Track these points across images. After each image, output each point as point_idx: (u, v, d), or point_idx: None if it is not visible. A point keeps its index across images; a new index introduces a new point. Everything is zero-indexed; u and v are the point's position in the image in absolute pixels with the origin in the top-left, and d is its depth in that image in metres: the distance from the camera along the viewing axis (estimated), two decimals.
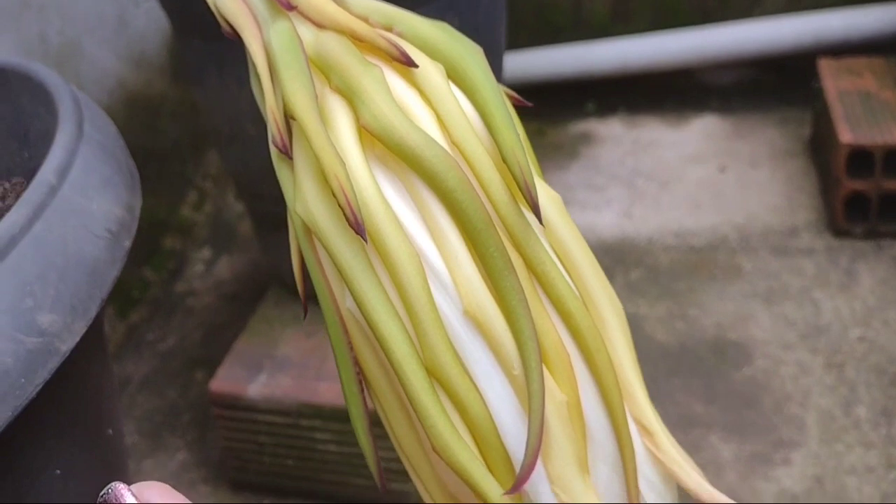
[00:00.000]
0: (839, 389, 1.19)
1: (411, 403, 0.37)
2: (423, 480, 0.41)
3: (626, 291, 1.38)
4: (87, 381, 0.54)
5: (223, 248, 1.54)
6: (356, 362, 0.40)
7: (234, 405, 1.06)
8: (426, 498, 0.41)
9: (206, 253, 1.53)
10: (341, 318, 0.39)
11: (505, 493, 0.36)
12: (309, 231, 0.38)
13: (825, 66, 1.55)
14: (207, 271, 1.50)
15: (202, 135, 1.58)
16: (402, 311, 0.37)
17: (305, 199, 0.37)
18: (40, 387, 0.42)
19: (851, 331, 1.27)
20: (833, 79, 1.51)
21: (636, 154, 1.68)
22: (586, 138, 1.74)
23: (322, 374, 1.07)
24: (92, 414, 0.54)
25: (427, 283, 0.37)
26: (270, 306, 1.18)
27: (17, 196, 0.56)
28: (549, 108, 1.78)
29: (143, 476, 1.16)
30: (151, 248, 1.45)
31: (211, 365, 1.13)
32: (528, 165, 0.38)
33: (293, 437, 1.07)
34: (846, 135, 1.37)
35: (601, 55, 1.71)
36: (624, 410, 0.40)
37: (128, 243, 0.52)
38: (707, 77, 1.82)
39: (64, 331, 0.44)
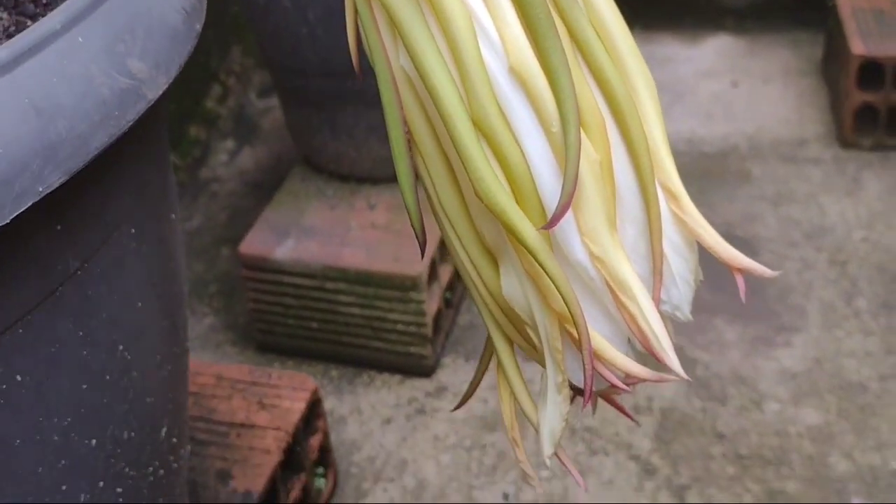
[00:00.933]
0: (841, 283, 1.24)
1: (457, 151, 0.40)
2: (460, 235, 0.45)
3: None
4: (156, 153, 0.58)
5: (246, 140, 1.58)
6: (405, 122, 0.43)
7: (263, 267, 1.11)
8: (461, 253, 0.45)
9: (229, 144, 1.56)
10: (393, 77, 0.42)
11: (538, 229, 0.40)
12: None
13: None
14: (231, 160, 1.54)
15: (225, 30, 1.61)
16: (452, 67, 0.40)
17: None
18: (131, 123, 0.46)
19: (855, 232, 1.32)
20: None
21: (651, 68, 1.70)
22: None
23: (346, 241, 1.11)
24: (159, 189, 0.58)
25: (476, 40, 0.40)
26: (297, 181, 1.22)
27: None
28: None
29: None
30: (177, 136, 1.48)
31: (236, 242, 1.17)
32: None
33: (318, 300, 1.11)
34: (858, 46, 1.40)
35: None
36: (652, 174, 0.43)
37: (198, 27, 0.55)
38: None
39: (150, 80, 0.48)
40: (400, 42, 0.41)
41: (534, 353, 0.46)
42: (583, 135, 0.41)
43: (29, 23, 0.51)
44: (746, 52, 1.74)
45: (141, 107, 0.47)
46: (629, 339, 0.44)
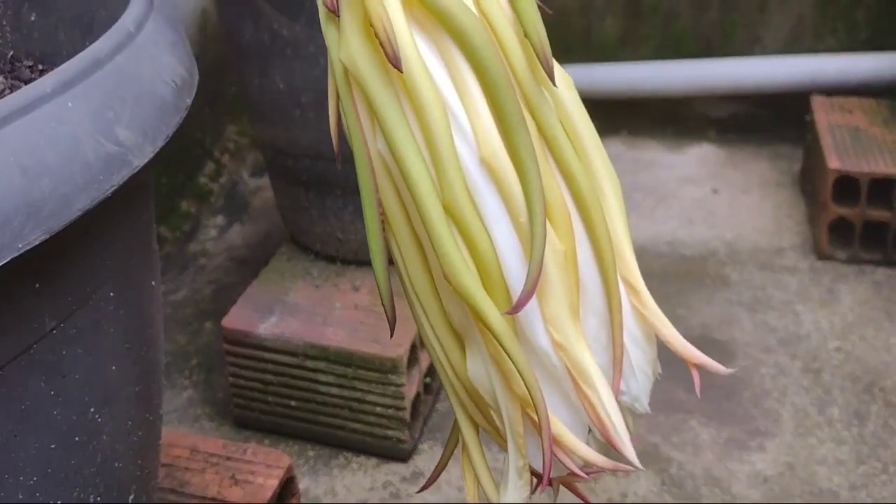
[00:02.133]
0: (815, 390, 1.25)
1: (428, 234, 0.42)
2: (429, 316, 0.46)
3: None
4: (140, 221, 0.59)
5: (236, 217, 1.60)
6: (380, 204, 0.45)
7: (244, 342, 1.11)
8: (429, 333, 0.46)
9: (219, 220, 1.59)
10: (370, 160, 0.45)
11: (503, 314, 0.41)
12: (348, 79, 0.44)
13: (818, 102, 1.64)
14: (220, 236, 1.56)
15: (222, 109, 1.65)
16: (425, 153, 0.43)
17: (349, 46, 0.43)
18: (115, 188, 0.47)
19: (830, 342, 1.34)
20: (825, 113, 1.60)
21: (635, 172, 1.77)
22: None
23: (329, 321, 1.12)
24: (141, 256, 0.59)
25: (450, 129, 0.42)
26: (283, 261, 1.24)
27: None
28: None
29: None
30: (168, 208, 1.50)
31: (219, 317, 1.18)
32: (546, 39, 0.44)
33: (298, 378, 1.11)
34: (834, 162, 1.46)
35: (608, 77, 1.80)
36: (615, 268, 0.46)
37: (188, 100, 0.57)
38: (706, 108, 1.92)
39: (136, 148, 0.50)
40: (378, 127, 0.43)
41: (497, 437, 0.47)
42: (549, 226, 0.42)
43: (23, 87, 0.54)
44: (727, 162, 1.80)
45: (126, 173, 0.48)
46: (589, 428, 0.45)
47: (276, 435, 1.16)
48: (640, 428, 1.19)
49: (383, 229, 0.45)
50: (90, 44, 0.69)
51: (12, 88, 0.67)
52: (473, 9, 0.43)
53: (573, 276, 0.44)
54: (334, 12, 0.43)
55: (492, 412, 0.45)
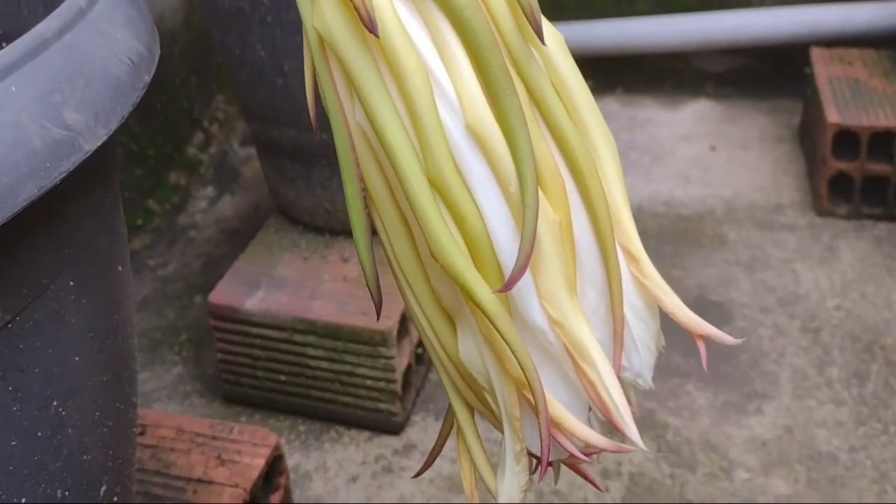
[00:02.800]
0: (813, 351, 1.23)
1: (413, 209, 0.40)
2: (417, 295, 0.44)
3: None
4: (101, 205, 0.57)
5: (226, 188, 1.58)
6: (361, 179, 0.42)
7: (232, 317, 1.10)
8: (418, 314, 0.44)
9: (209, 191, 1.57)
10: (349, 132, 0.42)
11: (495, 292, 0.39)
12: (323, 47, 0.41)
13: (817, 54, 1.60)
14: (209, 208, 1.54)
15: (210, 77, 1.62)
16: (408, 123, 0.40)
17: (323, 13, 0.40)
18: (63, 176, 0.45)
19: (829, 300, 1.32)
20: (824, 65, 1.56)
21: (631, 130, 1.73)
22: None
23: (317, 294, 1.10)
24: (104, 241, 0.57)
25: (433, 96, 0.39)
26: (270, 233, 1.22)
27: None
28: None
29: (140, 386, 1.19)
30: (156, 181, 1.48)
31: (209, 291, 1.16)
32: None
33: (286, 353, 1.10)
34: (834, 115, 1.42)
35: (602, 34, 1.76)
36: (613, 236, 0.43)
37: (147, 78, 0.55)
38: (703, 63, 1.88)
39: (87, 131, 0.47)
40: (356, 98, 0.41)
41: (493, 419, 0.45)
42: (541, 195, 0.40)
43: None
44: (725, 118, 1.76)
45: (76, 158, 0.46)
46: (590, 406, 0.43)
47: (266, 410, 1.15)
48: (635, 394, 1.17)
49: (366, 205, 0.43)
50: None
51: None
52: None
53: (569, 247, 0.41)
54: None
55: (486, 394, 0.43)
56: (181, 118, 1.56)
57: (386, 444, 1.11)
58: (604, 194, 0.42)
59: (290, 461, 1.09)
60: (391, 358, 1.07)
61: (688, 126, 1.74)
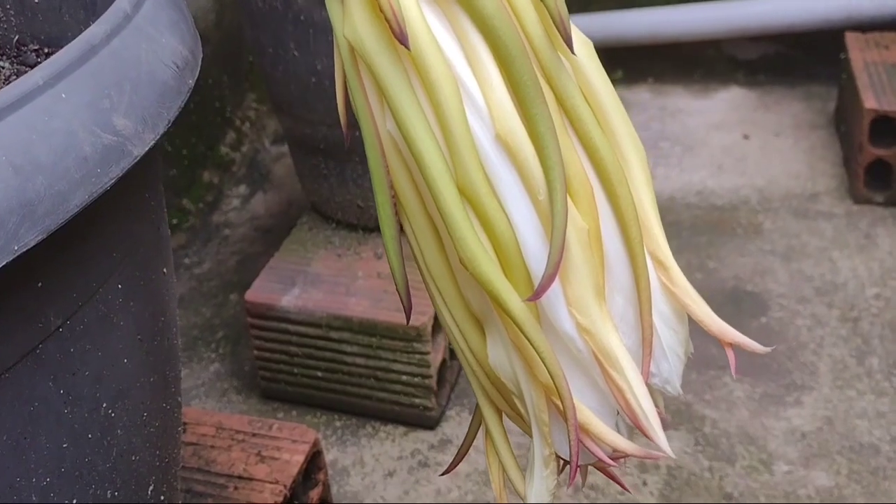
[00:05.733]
0: (853, 341, 1.22)
1: (443, 218, 0.40)
2: (447, 301, 0.44)
3: None
4: (147, 208, 0.58)
5: (258, 186, 1.59)
6: (391, 186, 0.43)
7: (268, 315, 1.10)
8: (447, 319, 0.44)
9: (242, 189, 1.58)
10: (380, 141, 0.42)
11: (524, 300, 0.39)
12: (354, 56, 0.41)
13: (852, 39, 1.57)
14: (243, 206, 1.55)
15: (241, 76, 1.63)
16: (438, 132, 0.40)
17: (354, 23, 0.40)
18: (115, 181, 0.46)
19: (868, 289, 1.30)
20: (860, 51, 1.54)
21: (662, 120, 1.72)
22: None
23: (352, 291, 1.11)
24: (150, 244, 0.58)
25: (462, 105, 0.40)
26: (304, 230, 1.23)
27: None
28: None
29: None
30: (190, 180, 1.50)
31: (244, 288, 1.18)
32: (563, 2, 0.41)
33: (322, 349, 1.11)
34: (871, 101, 1.40)
35: (632, 24, 1.74)
36: (642, 243, 0.43)
37: (191, 82, 0.55)
38: (735, 50, 1.86)
39: (135, 136, 0.48)
40: (387, 107, 0.41)
41: (522, 424, 0.45)
42: (570, 203, 0.40)
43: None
44: (758, 105, 1.74)
45: (125, 164, 0.46)
46: (618, 412, 0.43)
47: (303, 406, 1.16)
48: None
49: (396, 213, 0.43)
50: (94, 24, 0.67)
51: (18, 74, 0.65)
52: None
53: (597, 254, 0.41)
54: None
55: (515, 399, 0.44)
56: (213, 117, 1.57)
57: (422, 439, 1.12)
58: (633, 201, 0.42)
59: (328, 457, 1.10)
60: (426, 353, 1.07)
61: (720, 114, 1.73)
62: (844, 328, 1.24)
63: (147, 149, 0.49)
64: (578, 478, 0.43)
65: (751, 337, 0.45)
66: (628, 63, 1.83)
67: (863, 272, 1.33)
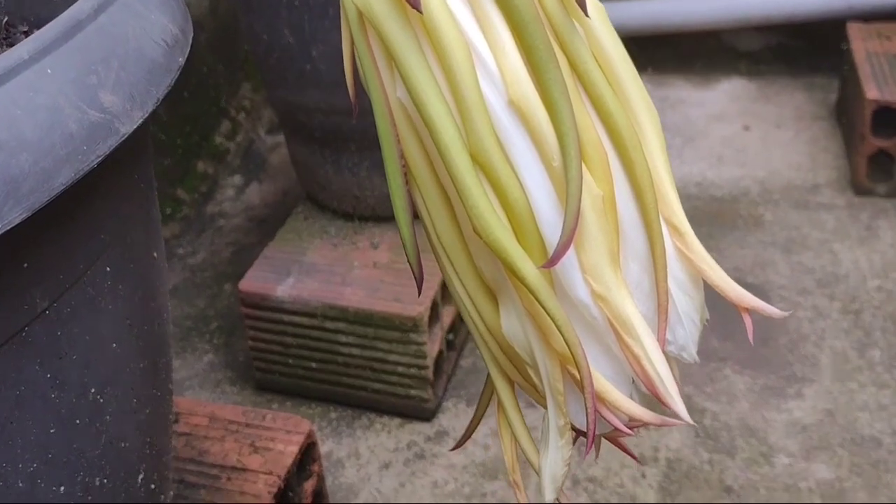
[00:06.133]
0: (854, 333, 1.21)
1: (455, 185, 0.39)
2: (459, 271, 0.43)
3: None
4: (137, 189, 0.56)
5: (253, 176, 1.57)
6: (401, 155, 0.42)
7: (262, 305, 1.09)
8: (459, 289, 0.43)
9: (236, 179, 1.56)
10: (390, 108, 0.41)
11: (539, 268, 0.38)
12: (363, 21, 0.40)
13: (854, 29, 1.56)
14: (238, 196, 1.53)
15: (236, 65, 1.61)
16: (449, 98, 0.39)
17: None
18: (100, 159, 0.44)
19: (869, 281, 1.29)
20: (862, 41, 1.52)
21: (662, 111, 1.70)
22: None
23: (347, 280, 1.09)
24: (140, 227, 0.57)
25: (475, 71, 0.39)
26: (299, 220, 1.21)
27: None
28: None
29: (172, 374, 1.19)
30: (184, 170, 1.48)
31: (239, 279, 1.16)
32: None
33: (317, 340, 1.09)
34: (873, 92, 1.38)
35: (631, 14, 1.73)
36: (657, 209, 0.42)
37: (181, 60, 0.54)
38: (736, 41, 1.84)
39: (123, 114, 0.46)
40: (397, 74, 0.40)
41: (535, 394, 0.44)
42: (584, 169, 0.39)
43: None
44: (759, 96, 1.73)
45: (113, 141, 0.45)
46: (633, 380, 0.42)
47: (298, 397, 1.15)
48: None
49: (406, 182, 0.42)
50: None
51: None
52: None
53: (612, 220, 0.41)
54: None
55: (529, 369, 0.43)
56: (208, 107, 1.55)
57: (418, 431, 1.11)
58: (647, 167, 0.42)
59: (323, 448, 1.08)
60: (422, 344, 1.06)
61: (721, 105, 1.71)
62: (846, 320, 1.22)
63: (135, 126, 0.47)
64: (585, 464, 0.42)
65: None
66: (628, 53, 1.81)
67: (864, 264, 1.31)
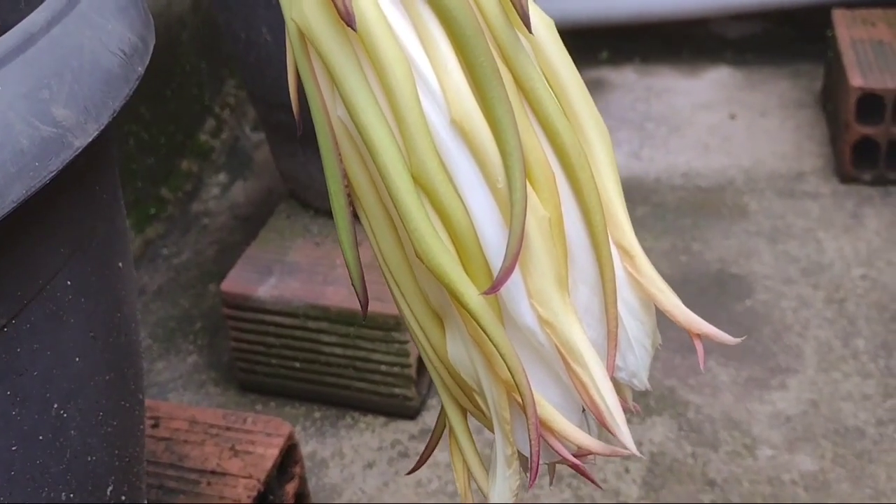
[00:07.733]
0: (839, 322, 1.21)
1: (396, 207, 0.38)
2: (406, 294, 0.42)
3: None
4: (98, 201, 0.56)
5: (238, 174, 1.57)
6: (345, 175, 0.41)
7: (245, 305, 1.09)
8: (407, 314, 0.43)
9: (221, 177, 1.56)
10: (332, 128, 0.40)
11: (482, 293, 0.37)
12: (304, 40, 0.39)
13: (839, 16, 1.55)
14: (222, 194, 1.53)
15: (220, 62, 1.60)
16: (390, 118, 0.38)
17: (301, 4, 0.38)
18: (53, 174, 0.43)
19: (854, 269, 1.29)
20: (846, 27, 1.52)
21: (648, 100, 1.70)
22: (599, 85, 1.75)
23: (330, 280, 1.09)
24: (102, 238, 0.56)
25: (416, 89, 0.37)
26: (282, 218, 1.21)
27: None
28: None
29: (155, 376, 1.19)
30: (169, 169, 1.47)
31: (223, 278, 1.16)
32: None
33: (300, 339, 1.09)
34: (857, 79, 1.38)
35: (618, 3, 1.72)
36: (606, 232, 0.41)
37: (140, 69, 0.53)
38: (722, 29, 1.84)
39: (77, 127, 0.46)
40: (337, 92, 0.39)
41: (486, 421, 0.43)
42: (530, 190, 0.38)
43: None
44: (745, 85, 1.72)
45: (66, 156, 0.45)
46: (583, 408, 0.41)
47: (281, 397, 1.15)
48: (655, 371, 1.15)
49: (350, 203, 0.41)
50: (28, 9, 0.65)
51: None
52: None
53: (559, 243, 0.40)
54: None
55: (477, 396, 0.42)
56: (192, 105, 1.55)
57: (402, 430, 1.11)
58: (596, 188, 0.41)
59: (306, 448, 1.08)
60: (405, 342, 1.05)
61: (706, 94, 1.71)
62: (830, 310, 1.22)
63: (90, 139, 0.47)
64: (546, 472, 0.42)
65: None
66: (614, 42, 1.81)
67: (849, 252, 1.31)
